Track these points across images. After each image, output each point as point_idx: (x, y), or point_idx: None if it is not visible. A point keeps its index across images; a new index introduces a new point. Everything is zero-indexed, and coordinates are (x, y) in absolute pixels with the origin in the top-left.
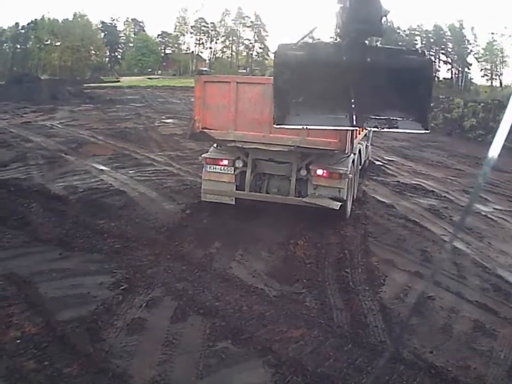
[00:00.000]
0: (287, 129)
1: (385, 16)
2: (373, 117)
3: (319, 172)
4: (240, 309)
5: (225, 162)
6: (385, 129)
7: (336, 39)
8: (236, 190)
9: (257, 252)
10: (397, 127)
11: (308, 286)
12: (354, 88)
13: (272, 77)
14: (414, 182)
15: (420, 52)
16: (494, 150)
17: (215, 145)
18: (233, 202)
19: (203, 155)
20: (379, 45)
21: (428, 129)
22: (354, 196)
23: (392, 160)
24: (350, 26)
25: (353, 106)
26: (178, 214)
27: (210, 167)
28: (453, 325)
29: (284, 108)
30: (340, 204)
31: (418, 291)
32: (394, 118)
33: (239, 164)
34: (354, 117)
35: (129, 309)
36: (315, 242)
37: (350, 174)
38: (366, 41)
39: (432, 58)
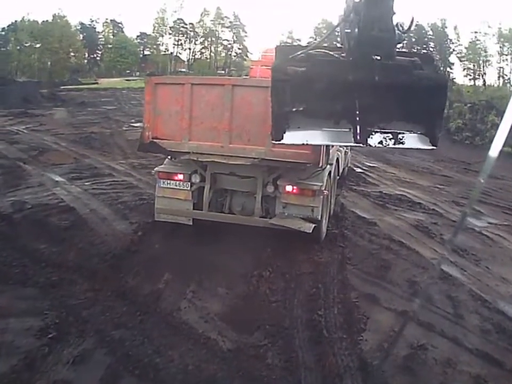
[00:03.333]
0: (250, 139)
1: (400, 42)
2: (378, 130)
3: (288, 188)
4: (184, 369)
5: (181, 176)
6: (390, 146)
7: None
8: (194, 208)
9: (213, 287)
10: (403, 143)
11: (272, 334)
12: (360, 103)
13: (270, 90)
14: (398, 193)
15: (433, 61)
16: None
17: (169, 156)
18: (191, 223)
19: (156, 168)
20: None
21: (436, 145)
22: (331, 212)
23: (373, 167)
24: (358, 50)
25: (357, 119)
26: (128, 236)
27: (163, 182)
28: None
29: (283, 119)
30: (313, 225)
31: (407, 338)
32: (401, 131)
33: (196, 178)
34: (358, 130)
35: (54, 365)
36: (283, 272)
37: (325, 190)
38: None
39: (446, 75)
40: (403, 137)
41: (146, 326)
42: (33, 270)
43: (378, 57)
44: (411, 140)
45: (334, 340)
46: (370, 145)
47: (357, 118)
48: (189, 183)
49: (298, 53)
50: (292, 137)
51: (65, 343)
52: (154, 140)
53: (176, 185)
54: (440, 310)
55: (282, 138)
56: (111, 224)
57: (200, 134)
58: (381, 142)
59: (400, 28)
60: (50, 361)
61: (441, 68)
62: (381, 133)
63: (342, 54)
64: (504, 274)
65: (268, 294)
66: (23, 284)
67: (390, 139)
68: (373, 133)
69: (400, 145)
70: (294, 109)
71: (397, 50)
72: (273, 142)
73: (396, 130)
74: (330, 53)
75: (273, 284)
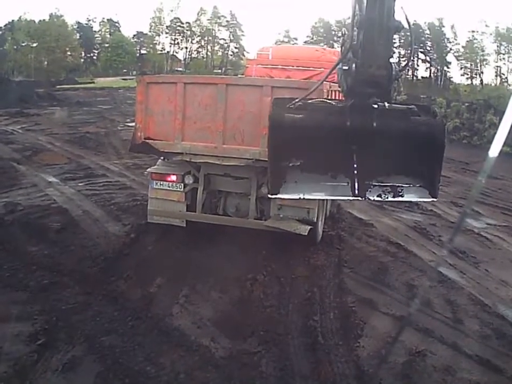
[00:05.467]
0: (244, 140)
1: (397, 79)
2: (377, 184)
3: None
4: (176, 377)
5: (174, 177)
6: (389, 199)
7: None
8: (187, 210)
9: (206, 291)
10: (402, 196)
11: (266, 341)
12: (358, 153)
13: (267, 140)
14: None
15: (431, 111)
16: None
17: (162, 157)
18: (184, 225)
19: (148, 169)
20: (386, 106)
21: (435, 197)
22: (327, 213)
23: None
24: (356, 89)
25: (355, 172)
26: (121, 238)
27: (156, 184)
28: None
29: (280, 174)
30: (309, 227)
31: (405, 344)
32: (400, 184)
33: (189, 179)
34: (356, 184)
35: (43, 373)
36: (278, 276)
37: None
38: (372, 102)
39: (444, 121)
40: (402, 190)
41: (137, 331)
42: (24, 273)
43: (376, 98)
44: (410, 193)
45: (330, 347)
46: (369, 199)
47: (355, 172)
48: (182, 184)
49: (296, 100)
50: (288, 191)
51: (55, 350)
52: (147, 140)
53: (169, 187)
54: (439, 315)
55: (279, 193)
56: (103, 226)
57: (193, 134)
58: (379, 196)
59: (396, 66)
60: (39, 369)
61: (438, 116)
62: (380, 186)
63: (339, 104)
64: (504, 277)
65: (262, 298)
66: (14, 288)
67: (388, 192)
68: (372, 187)
69: (399, 198)
70: (290, 164)
71: (395, 102)
72: (270, 196)
73: (394, 184)
74: (328, 100)
75: (267, 287)
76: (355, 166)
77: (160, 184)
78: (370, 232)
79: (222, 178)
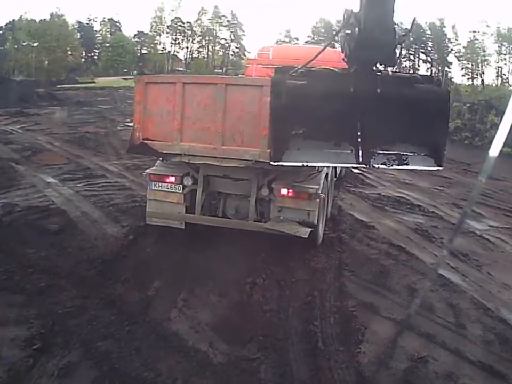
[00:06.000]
0: (243, 141)
1: (401, 44)
2: (381, 152)
3: (283, 191)
4: (173, 383)
5: (172, 179)
6: (394, 167)
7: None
8: (186, 211)
9: (205, 295)
10: (407, 164)
11: (265, 346)
12: (362, 120)
13: (269, 107)
14: (397, 194)
15: (435, 80)
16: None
17: (161, 158)
18: (183, 227)
19: (147, 170)
20: (390, 73)
21: (441, 166)
22: (328, 215)
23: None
24: (359, 54)
25: (359, 140)
26: (119, 240)
27: (155, 185)
28: None
29: (282, 142)
30: (309, 230)
31: (407, 350)
32: (405, 153)
33: (188, 181)
34: (360, 152)
35: (38, 378)
36: (278, 279)
37: (322, 193)
38: (376, 70)
39: (448, 89)
40: (407, 158)
41: (134, 336)
42: (20, 276)
43: (379, 63)
44: (415, 161)
45: (330, 353)
46: (373, 167)
47: (359, 139)
48: (181, 186)
49: (298, 67)
50: (290, 159)
51: (50, 355)
52: (145, 141)
53: (168, 188)
54: (441, 320)
55: (281, 160)
56: (101, 228)
57: (192, 135)
58: (384, 163)
59: (400, 30)
60: (34, 374)
61: (443, 83)
62: (384, 154)
63: (343, 71)
64: (507, 281)
65: (261, 302)
66: (11, 291)
67: (393, 160)
68: (376, 155)
69: (405, 166)
70: (293, 132)
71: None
72: (272, 163)
73: (399, 152)
74: (331, 68)
75: (267, 291)
76: (359, 133)
77: (159, 186)
78: (371, 235)
79: (221, 179)
